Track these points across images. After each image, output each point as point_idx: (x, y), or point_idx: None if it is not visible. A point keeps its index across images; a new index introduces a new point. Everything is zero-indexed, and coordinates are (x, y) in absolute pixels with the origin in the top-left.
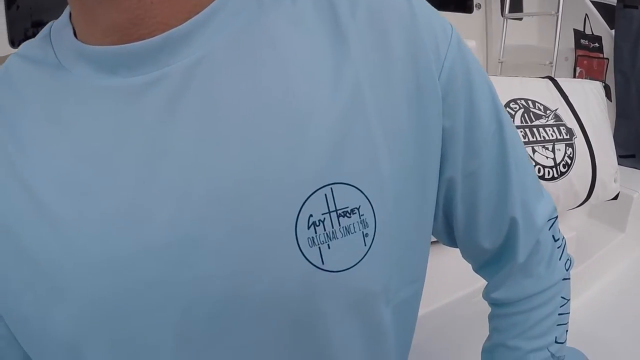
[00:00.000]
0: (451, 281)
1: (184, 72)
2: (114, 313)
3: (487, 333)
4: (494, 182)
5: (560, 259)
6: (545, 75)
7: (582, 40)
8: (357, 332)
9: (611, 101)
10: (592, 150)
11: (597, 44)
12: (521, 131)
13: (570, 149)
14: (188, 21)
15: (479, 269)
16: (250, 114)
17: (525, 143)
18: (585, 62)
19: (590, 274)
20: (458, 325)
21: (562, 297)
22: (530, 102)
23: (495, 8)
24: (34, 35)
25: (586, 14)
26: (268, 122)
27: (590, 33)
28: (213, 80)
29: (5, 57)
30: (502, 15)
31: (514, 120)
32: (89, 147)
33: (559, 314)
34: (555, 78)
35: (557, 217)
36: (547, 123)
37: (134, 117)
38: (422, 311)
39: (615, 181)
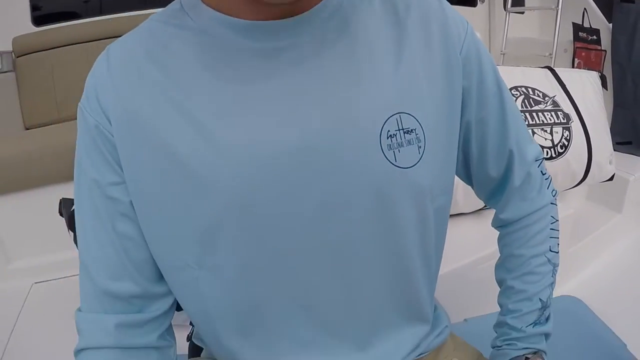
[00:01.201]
0: (463, 249)
1: (307, 43)
2: (252, 202)
3: (492, 292)
4: (497, 125)
5: (547, 188)
6: (545, 65)
7: (580, 33)
8: (414, 221)
9: (607, 90)
10: (588, 133)
11: (595, 37)
12: (522, 115)
13: (567, 132)
14: (313, 8)
15: (487, 199)
16: (348, 72)
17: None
18: (583, 53)
19: (587, 252)
20: (468, 286)
21: (551, 217)
22: (530, 90)
23: (498, 2)
24: (54, 17)
25: (585, 8)
26: (360, 78)
27: (589, 26)
28: (324, 50)
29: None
30: (505, 9)
31: None
32: (238, 87)
33: (551, 229)
34: (554, 68)
35: (543, 158)
36: (546, 108)
37: (271, 69)
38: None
39: (610, 163)
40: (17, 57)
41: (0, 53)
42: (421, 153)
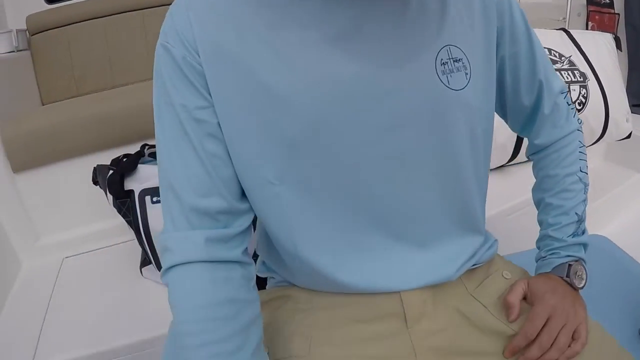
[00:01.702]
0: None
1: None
2: (326, 119)
3: (518, 242)
4: (527, 58)
5: (574, 117)
6: (560, 27)
7: None
8: (467, 137)
9: (621, 51)
10: (605, 92)
11: (608, 0)
12: None
13: (584, 90)
14: None
15: (521, 129)
16: (405, 14)
17: None
18: (597, 17)
19: (605, 210)
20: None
21: (579, 141)
22: (546, 50)
23: None
24: None
25: None
26: (416, 17)
27: None
28: (385, 14)
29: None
30: None
31: None
32: (313, 30)
33: (579, 152)
34: (569, 30)
35: (567, 91)
36: (562, 67)
37: (334, 22)
38: None
39: (627, 121)
40: (32, 35)
41: (15, 32)
42: (468, 79)
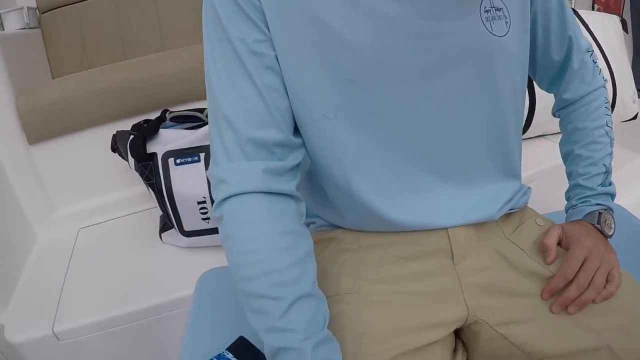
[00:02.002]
0: None
1: None
2: (383, 56)
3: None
4: (557, 15)
5: (599, 74)
6: None
7: None
8: (508, 82)
9: (627, 33)
10: (612, 71)
11: None
12: None
13: None
14: None
15: (549, 85)
16: None
17: None
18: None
19: None
20: None
21: (604, 97)
22: None
23: None
24: None
25: None
26: None
27: None
28: None
29: None
30: None
31: None
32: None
33: (605, 107)
34: (576, 9)
35: (592, 50)
36: None
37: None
38: None
39: (634, 102)
40: (42, 13)
41: (26, 9)
42: (508, 27)
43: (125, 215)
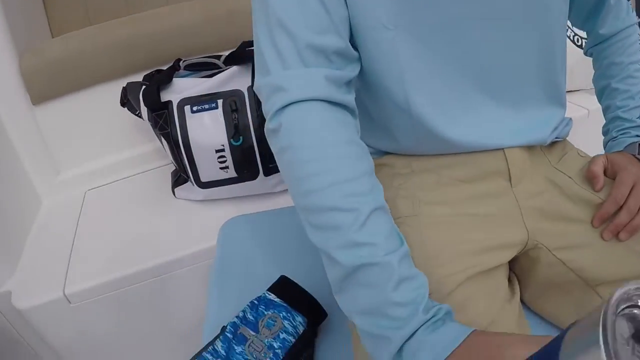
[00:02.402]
0: None
1: None
2: None
3: None
4: None
5: (632, 12)
6: None
7: None
8: (558, 9)
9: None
10: None
11: None
12: None
13: None
14: None
15: (584, 22)
16: None
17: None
18: None
19: None
20: None
21: (638, 35)
22: None
23: None
24: None
25: None
26: None
27: None
28: None
29: None
30: None
31: None
32: None
33: (639, 44)
34: None
35: None
36: None
37: None
38: None
39: None
40: None
41: None
42: None
43: (134, 175)
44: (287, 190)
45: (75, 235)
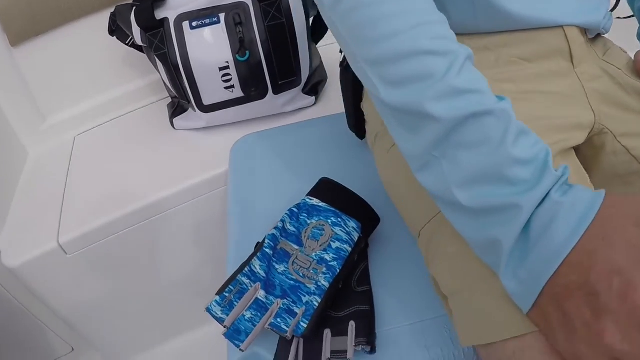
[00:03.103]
0: None
1: None
2: None
3: None
4: None
5: None
6: None
7: None
8: None
9: None
10: None
11: None
12: None
13: None
14: None
15: None
16: None
17: None
18: None
19: None
20: None
21: None
22: None
23: None
24: None
25: None
26: None
27: None
28: None
29: None
30: None
31: None
32: None
33: None
34: None
35: None
36: None
37: None
38: None
39: None
40: None
41: None
42: None
43: (127, 114)
44: (298, 110)
45: (67, 183)
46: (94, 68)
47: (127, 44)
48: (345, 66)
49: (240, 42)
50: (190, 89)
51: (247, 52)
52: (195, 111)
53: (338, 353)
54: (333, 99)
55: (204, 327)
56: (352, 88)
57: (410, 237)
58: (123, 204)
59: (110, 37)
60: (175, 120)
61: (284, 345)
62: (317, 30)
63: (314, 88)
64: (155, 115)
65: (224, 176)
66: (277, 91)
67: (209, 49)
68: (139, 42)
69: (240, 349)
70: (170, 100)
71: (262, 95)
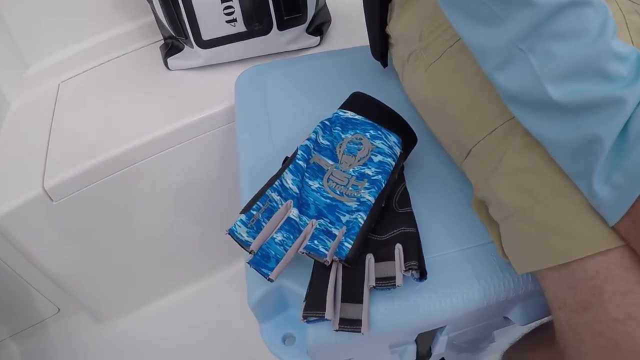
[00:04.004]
0: None
1: None
2: None
3: None
4: None
5: None
6: None
7: None
8: None
9: None
10: None
11: None
12: None
13: None
14: None
15: None
16: None
17: None
18: None
19: None
20: None
21: None
22: None
23: None
24: None
25: None
26: None
27: None
28: None
29: None
30: None
31: None
32: None
33: None
34: None
35: None
36: None
37: None
38: None
39: None
40: None
41: None
42: None
43: (115, 58)
44: (304, 49)
45: (51, 130)
46: (80, 9)
47: None
48: None
49: None
50: (189, 22)
51: None
52: (192, 47)
53: (384, 280)
54: (337, 41)
55: (200, 281)
56: (379, 9)
57: (446, 161)
58: (113, 146)
59: None
60: (169, 59)
61: (319, 273)
62: None
63: (318, 28)
64: (147, 59)
65: (226, 113)
66: (281, 27)
67: None
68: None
69: (268, 279)
70: (163, 42)
71: (266, 30)
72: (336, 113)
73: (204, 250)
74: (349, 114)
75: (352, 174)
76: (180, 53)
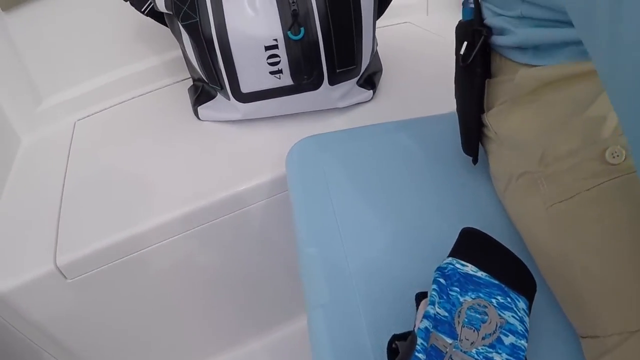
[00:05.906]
0: None
1: None
2: None
3: None
4: None
5: None
6: None
7: None
8: None
9: None
10: None
11: None
12: None
13: None
14: None
15: None
16: None
17: None
18: None
19: None
20: None
21: None
22: None
23: None
24: None
25: None
26: None
27: None
28: None
29: None
30: None
31: None
32: None
33: None
34: None
35: None
36: None
37: None
38: None
39: None
40: None
41: None
42: None
43: (138, 96)
44: (354, 105)
45: (65, 183)
46: (101, 41)
47: (142, 12)
48: (469, 62)
49: (293, 15)
50: (226, 72)
51: (302, 28)
52: (228, 99)
53: None
54: (390, 95)
55: (221, 356)
56: (478, 94)
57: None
58: (134, 220)
59: (123, 1)
60: (200, 109)
61: None
62: (381, 3)
63: (370, 79)
64: (173, 99)
65: (270, 184)
66: (333, 81)
67: (253, 22)
68: (161, 8)
69: None
70: (191, 83)
71: (315, 85)
72: (451, 264)
73: (225, 328)
74: (469, 269)
75: (476, 357)
76: (212, 102)
